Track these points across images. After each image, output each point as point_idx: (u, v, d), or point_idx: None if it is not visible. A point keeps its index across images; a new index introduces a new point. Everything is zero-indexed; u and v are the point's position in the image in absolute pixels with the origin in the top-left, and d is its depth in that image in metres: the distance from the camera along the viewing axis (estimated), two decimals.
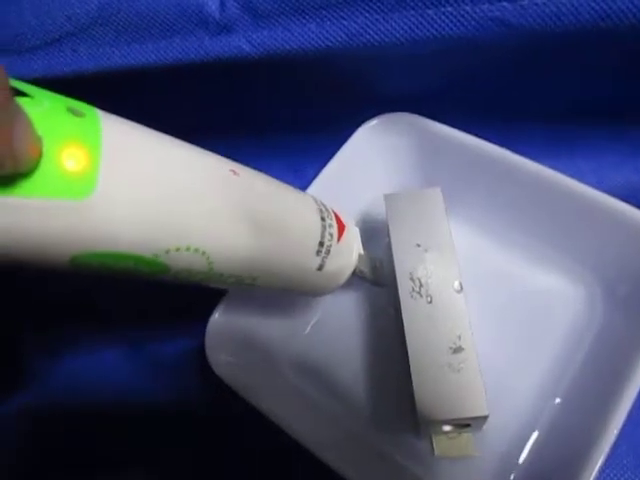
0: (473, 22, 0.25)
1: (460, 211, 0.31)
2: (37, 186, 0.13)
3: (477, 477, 0.26)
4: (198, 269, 0.19)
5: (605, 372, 0.25)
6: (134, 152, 0.16)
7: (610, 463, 0.25)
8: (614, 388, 0.23)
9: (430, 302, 0.25)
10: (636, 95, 0.30)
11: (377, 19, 0.26)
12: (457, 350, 0.24)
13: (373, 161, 0.33)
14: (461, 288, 0.25)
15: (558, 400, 0.26)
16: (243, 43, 0.28)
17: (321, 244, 0.24)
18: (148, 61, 0.29)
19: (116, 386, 0.34)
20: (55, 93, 0.15)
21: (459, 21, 0.25)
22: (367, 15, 0.26)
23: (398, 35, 0.26)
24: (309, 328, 0.31)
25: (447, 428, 0.25)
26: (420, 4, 0.26)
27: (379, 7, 0.26)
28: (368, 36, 0.27)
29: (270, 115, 0.36)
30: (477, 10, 0.25)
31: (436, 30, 0.26)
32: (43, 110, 0.14)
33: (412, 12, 0.26)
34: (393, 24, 0.26)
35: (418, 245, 0.27)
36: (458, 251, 0.26)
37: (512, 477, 0.25)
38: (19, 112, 0.13)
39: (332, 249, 0.24)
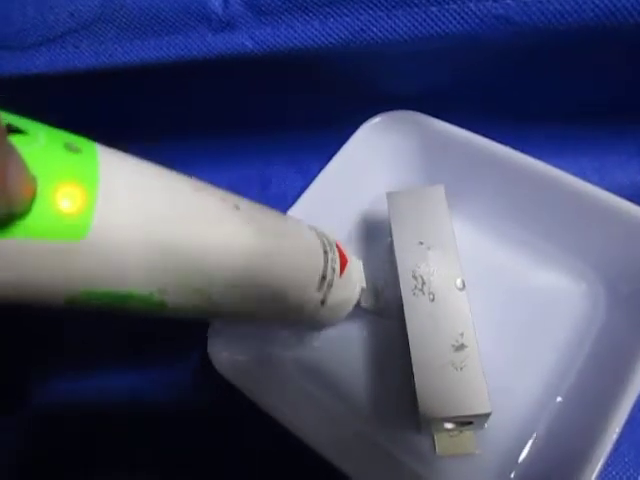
0: (476, 19, 0.25)
1: (463, 209, 0.31)
2: (30, 228, 0.13)
3: (478, 475, 0.26)
4: (197, 306, 0.18)
5: (607, 370, 0.25)
6: (133, 190, 0.16)
7: (612, 461, 0.25)
8: (616, 386, 0.23)
9: (432, 300, 0.25)
10: None
11: (380, 16, 0.26)
12: (459, 348, 0.24)
13: (376, 159, 0.33)
14: (463, 286, 0.25)
15: (559, 398, 0.26)
16: (246, 40, 0.28)
17: (323, 278, 0.23)
18: (150, 58, 0.29)
19: (117, 385, 0.34)
20: (52, 127, 0.15)
21: (462, 18, 0.25)
22: (370, 12, 0.26)
23: (401, 32, 0.26)
24: None
25: (449, 426, 0.25)
26: (424, 1, 0.26)
27: (382, 4, 0.26)
28: (371, 33, 0.27)
29: (273, 113, 0.36)
30: (480, 7, 0.25)
31: (439, 27, 0.26)
32: (38, 147, 0.13)
33: (415, 9, 0.26)
34: (396, 21, 0.26)
35: (421, 243, 0.27)
36: (460, 249, 0.26)
37: (512, 475, 0.25)
38: (12, 151, 0.12)
39: (334, 283, 0.24)
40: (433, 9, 0.25)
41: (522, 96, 0.31)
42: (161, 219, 0.16)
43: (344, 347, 0.30)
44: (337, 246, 0.25)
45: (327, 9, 0.27)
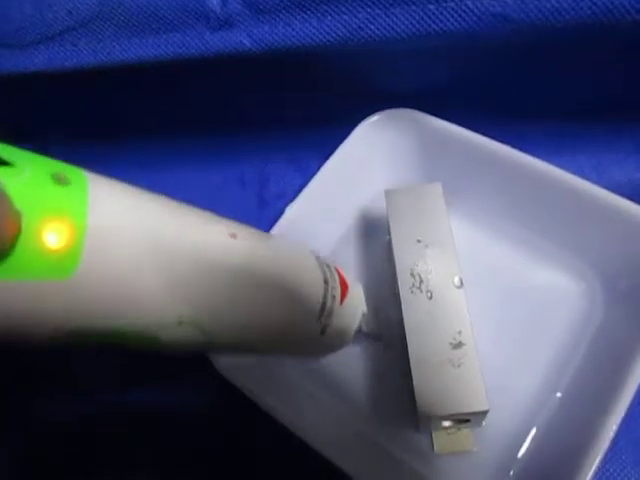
0: (474, 17, 0.25)
1: (460, 207, 0.31)
2: (14, 267, 0.12)
3: (477, 472, 0.26)
4: (192, 340, 0.18)
5: (605, 367, 0.25)
6: (124, 222, 0.15)
7: (609, 458, 0.25)
8: (614, 383, 0.23)
9: (430, 298, 0.25)
10: (638, 92, 0.30)
11: (378, 14, 0.26)
12: (457, 346, 0.24)
13: (374, 157, 0.33)
14: (461, 284, 0.25)
15: (558, 395, 0.26)
16: (244, 38, 0.28)
17: (323, 307, 0.22)
18: (148, 56, 0.29)
19: (116, 385, 0.34)
20: (40, 156, 0.14)
21: (460, 16, 0.25)
22: (368, 10, 0.26)
23: (399, 30, 0.26)
24: None
25: (447, 423, 0.25)
26: None
27: (380, 2, 0.26)
28: (369, 31, 0.27)
29: (271, 111, 0.36)
30: (478, 5, 0.25)
31: (437, 25, 0.26)
32: (24, 180, 0.12)
33: (413, 7, 0.26)
34: (394, 19, 0.26)
35: (418, 241, 0.27)
36: (458, 247, 0.26)
37: (511, 472, 0.25)
38: None
39: (334, 311, 0.23)
40: (431, 7, 0.25)
41: (520, 94, 0.31)
42: (154, 252, 0.15)
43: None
44: (338, 271, 0.24)
45: (325, 7, 0.27)
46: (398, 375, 0.27)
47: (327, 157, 0.32)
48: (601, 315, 0.28)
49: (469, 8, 0.25)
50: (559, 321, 0.28)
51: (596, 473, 0.22)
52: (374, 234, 0.33)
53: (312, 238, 0.31)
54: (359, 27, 0.27)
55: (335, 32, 0.27)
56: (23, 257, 0.12)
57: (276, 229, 0.30)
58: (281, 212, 0.30)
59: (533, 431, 0.26)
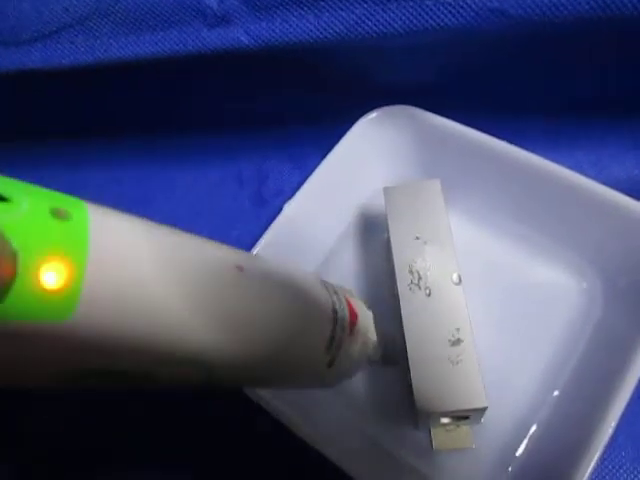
0: (472, 13, 0.25)
1: (459, 203, 0.31)
2: (9, 310, 0.11)
3: (476, 469, 0.26)
4: (195, 378, 0.17)
5: (604, 365, 0.25)
6: (126, 258, 0.14)
7: (608, 455, 0.25)
8: (613, 380, 0.23)
9: (429, 295, 0.25)
10: (636, 87, 0.30)
11: (375, 10, 0.26)
12: (455, 343, 0.24)
13: (372, 154, 0.33)
14: (460, 281, 0.25)
15: (556, 392, 0.26)
16: (241, 35, 0.28)
17: (332, 339, 0.21)
18: (145, 53, 0.29)
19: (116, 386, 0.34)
20: (38, 188, 0.13)
21: (458, 12, 0.25)
22: (365, 6, 0.26)
23: (396, 26, 0.26)
24: None
25: (446, 420, 0.25)
26: None
27: None
28: (366, 27, 0.27)
29: (269, 108, 0.36)
30: (476, 0, 0.25)
31: (434, 21, 0.26)
32: (21, 216, 0.12)
33: (410, 3, 0.26)
34: (391, 15, 0.26)
35: (417, 238, 0.27)
36: (457, 243, 0.26)
37: (510, 469, 0.25)
38: None
39: (344, 343, 0.22)
40: (428, 2, 0.25)
41: (518, 90, 0.31)
42: (158, 289, 0.14)
43: None
44: (346, 299, 0.23)
45: (322, 3, 0.27)
46: (398, 374, 0.27)
47: (325, 154, 0.32)
48: (600, 312, 0.28)
49: (466, 3, 0.25)
50: (558, 318, 0.28)
51: (595, 470, 0.22)
52: (373, 231, 0.33)
53: (310, 235, 0.31)
54: (356, 23, 0.27)
55: (332, 28, 0.27)
56: (18, 299, 0.11)
57: (274, 226, 0.30)
58: (279, 209, 0.30)
59: (532, 428, 0.26)
